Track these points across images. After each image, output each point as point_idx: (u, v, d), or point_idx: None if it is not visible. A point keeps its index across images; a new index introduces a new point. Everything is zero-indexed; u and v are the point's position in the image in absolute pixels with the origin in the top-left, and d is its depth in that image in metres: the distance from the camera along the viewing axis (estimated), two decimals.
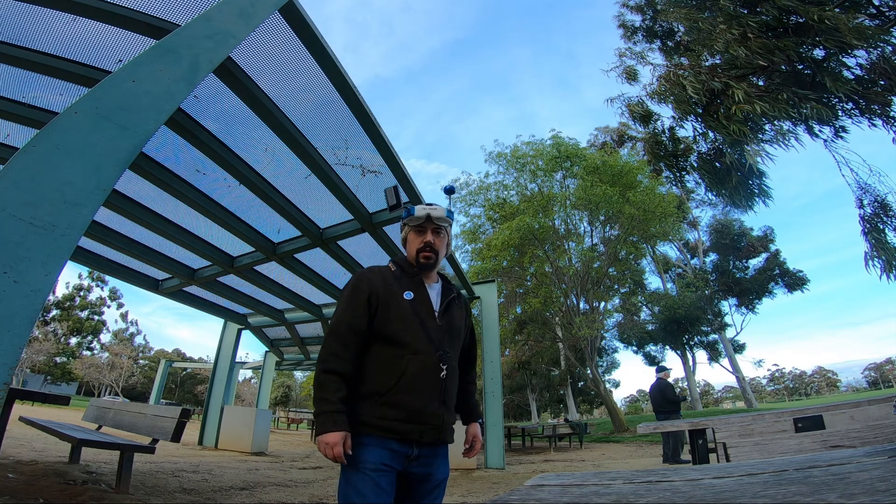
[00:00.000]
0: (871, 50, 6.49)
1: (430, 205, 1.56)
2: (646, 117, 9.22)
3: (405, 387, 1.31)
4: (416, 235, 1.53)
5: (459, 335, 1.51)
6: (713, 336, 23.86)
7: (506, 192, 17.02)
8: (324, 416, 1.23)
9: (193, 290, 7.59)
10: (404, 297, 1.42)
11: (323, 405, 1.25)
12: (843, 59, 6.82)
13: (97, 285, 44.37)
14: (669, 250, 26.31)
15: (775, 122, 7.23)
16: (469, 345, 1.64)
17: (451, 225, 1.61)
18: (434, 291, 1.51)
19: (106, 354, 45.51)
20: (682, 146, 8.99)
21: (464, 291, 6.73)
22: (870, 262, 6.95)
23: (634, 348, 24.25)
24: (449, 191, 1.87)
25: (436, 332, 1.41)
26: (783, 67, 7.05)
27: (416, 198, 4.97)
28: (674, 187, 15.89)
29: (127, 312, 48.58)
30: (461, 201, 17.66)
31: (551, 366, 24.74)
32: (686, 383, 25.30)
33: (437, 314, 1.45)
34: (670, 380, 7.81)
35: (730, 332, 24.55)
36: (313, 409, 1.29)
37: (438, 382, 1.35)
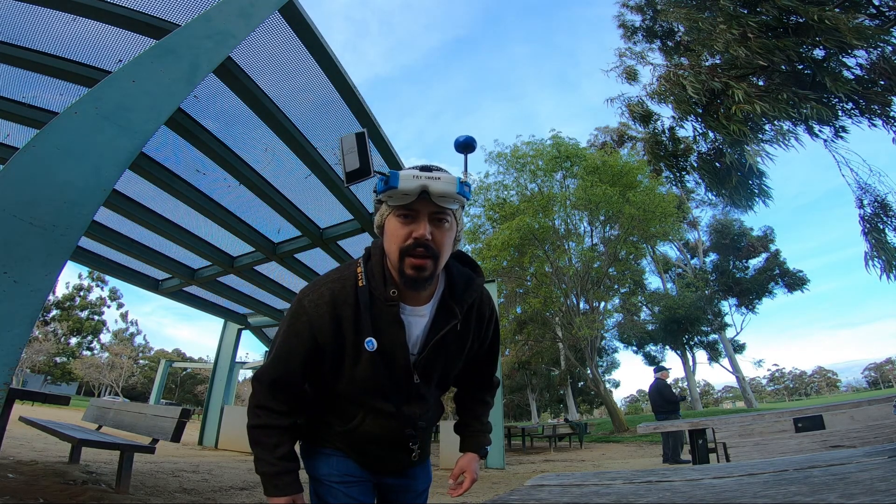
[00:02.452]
0: (871, 50, 6.49)
1: (428, 169, 0.94)
2: (646, 117, 9.22)
3: (361, 439, 1.07)
4: (400, 223, 0.94)
5: (451, 369, 1.12)
6: (713, 336, 23.87)
7: (506, 192, 17.03)
8: (265, 478, 1.01)
9: (193, 290, 7.59)
10: (365, 346, 0.97)
11: (261, 465, 1.01)
12: (843, 59, 6.82)
13: (97, 285, 44.41)
14: (669, 250, 26.33)
15: (775, 122, 7.23)
16: (483, 361, 1.22)
17: (463, 208, 1.03)
18: (421, 321, 1.03)
19: (106, 354, 45.53)
20: (682, 146, 8.99)
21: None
22: (870, 262, 6.95)
23: (634, 348, 24.27)
24: (465, 146, 1.02)
25: (407, 394, 1.04)
26: (783, 67, 7.05)
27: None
28: (674, 187, 15.89)
29: (127, 312, 48.64)
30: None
31: (551, 366, 24.75)
32: (686, 383, 25.31)
33: (414, 362, 1.03)
34: (669, 380, 7.81)
35: (730, 332, 24.57)
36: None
37: (404, 442, 1.07)
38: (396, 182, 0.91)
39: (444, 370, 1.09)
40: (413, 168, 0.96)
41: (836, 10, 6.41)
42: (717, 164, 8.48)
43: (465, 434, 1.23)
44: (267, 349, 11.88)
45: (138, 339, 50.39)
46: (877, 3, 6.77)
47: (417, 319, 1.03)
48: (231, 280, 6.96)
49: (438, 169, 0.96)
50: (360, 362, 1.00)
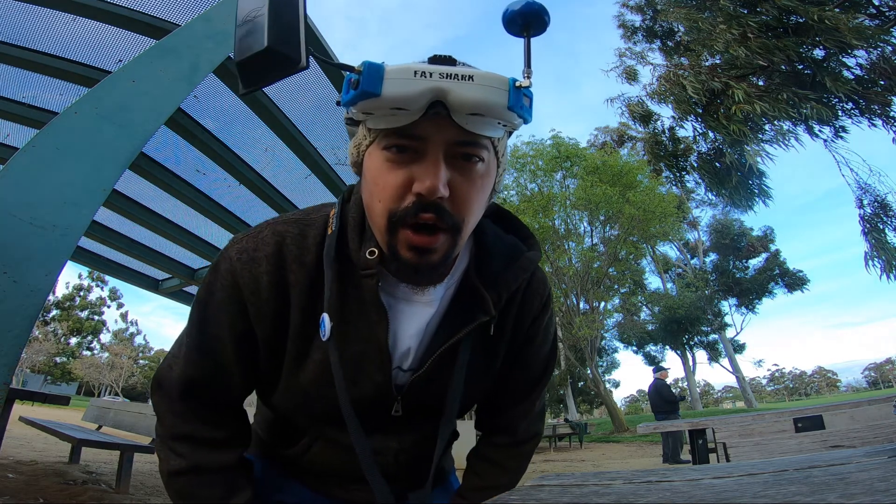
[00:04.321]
0: (871, 50, 6.49)
1: (447, 61, 0.52)
2: (646, 117, 9.22)
3: (311, 469, 0.73)
4: (391, 164, 0.54)
5: (468, 399, 0.70)
6: (713, 336, 23.90)
7: (506, 192, 17.02)
8: None
9: (193, 290, 7.58)
10: (319, 331, 0.60)
11: None
12: (843, 59, 6.83)
13: (97, 285, 44.45)
14: (669, 250, 26.37)
15: (775, 122, 7.23)
16: (513, 384, 0.75)
17: (510, 135, 0.61)
18: (423, 312, 0.64)
19: (106, 354, 45.56)
20: (682, 146, 8.99)
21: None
22: (870, 262, 6.96)
23: (634, 348, 24.30)
24: (526, 16, 0.55)
25: (380, 426, 0.65)
26: (783, 67, 7.05)
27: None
28: (674, 187, 15.89)
29: (127, 312, 48.64)
30: None
31: None
32: (686, 383, 25.32)
33: (400, 383, 0.64)
34: (668, 380, 7.82)
35: (730, 332, 24.61)
36: None
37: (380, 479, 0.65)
38: (378, 84, 0.48)
39: (450, 399, 0.65)
40: (415, 63, 0.51)
41: (836, 10, 6.41)
42: (717, 164, 8.49)
43: (466, 487, 0.77)
44: None
45: (138, 339, 50.45)
46: (877, 3, 6.77)
47: (416, 308, 0.63)
48: None
49: (464, 63, 0.53)
50: (305, 363, 0.61)
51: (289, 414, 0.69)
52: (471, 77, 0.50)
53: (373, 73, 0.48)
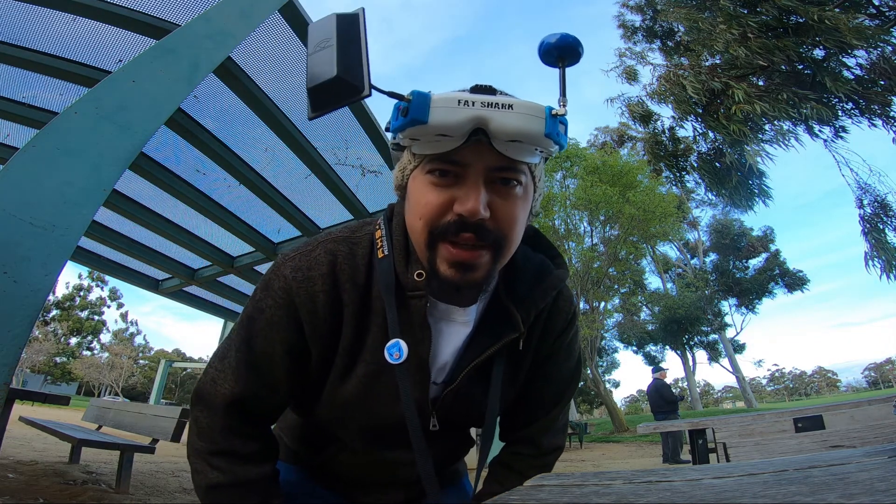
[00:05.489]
0: (871, 50, 6.49)
1: (488, 90, 0.57)
2: (646, 117, 9.22)
3: (330, 472, 0.77)
4: (433, 186, 0.57)
5: (495, 410, 0.69)
6: (713, 336, 23.91)
7: None
8: None
9: (193, 290, 7.59)
10: (385, 354, 0.61)
11: None
12: (843, 59, 6.83)
13: (97, 285, 44.46)
14: (669, 250, 26.38)
15: (775, 122, 7.23)
16: (534, 395, 0.77)
17: (546, 160, 0.63)
18: (459, 331, 0.66)
19: (106, 354, 45.58)
20: (682, 146, 8.99)
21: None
22: (870, 262, 6.96)
23: (634, 348, 24.30)
24: (563, 49, 0.58)
25: (410, 440, 0.63)
26: (783, 67, 7.05)
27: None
28: (674, 187, 15.89)
29: (127, 312, 48.67)
30: None
31: None
32: (686, 383, 25.32)
33: (434, 396, 0.67)
34: (668, 380, 7.82)
35: (730, 332, 24.62)
36: None
37: (396, 485, 0.76)
38: (425, 112, 0.51)
39: (480, 411, 0.68)
40: (457, 93, 0.54)
41: (836, 10, 6.41)
42: (717, 164, 8.49)
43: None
44: None
45: (138, 339, 50.49)
46: (877, 3, 6.77)
47: (455, 328, 0.65)
48: (231, 280, 6.97)
49: (504, 93, 0.57)
50: (350, 378, 0.64)
51: (325, 424, 0.71)
52: (510, 106, 0.52)
53: (421, 102, 0.52)
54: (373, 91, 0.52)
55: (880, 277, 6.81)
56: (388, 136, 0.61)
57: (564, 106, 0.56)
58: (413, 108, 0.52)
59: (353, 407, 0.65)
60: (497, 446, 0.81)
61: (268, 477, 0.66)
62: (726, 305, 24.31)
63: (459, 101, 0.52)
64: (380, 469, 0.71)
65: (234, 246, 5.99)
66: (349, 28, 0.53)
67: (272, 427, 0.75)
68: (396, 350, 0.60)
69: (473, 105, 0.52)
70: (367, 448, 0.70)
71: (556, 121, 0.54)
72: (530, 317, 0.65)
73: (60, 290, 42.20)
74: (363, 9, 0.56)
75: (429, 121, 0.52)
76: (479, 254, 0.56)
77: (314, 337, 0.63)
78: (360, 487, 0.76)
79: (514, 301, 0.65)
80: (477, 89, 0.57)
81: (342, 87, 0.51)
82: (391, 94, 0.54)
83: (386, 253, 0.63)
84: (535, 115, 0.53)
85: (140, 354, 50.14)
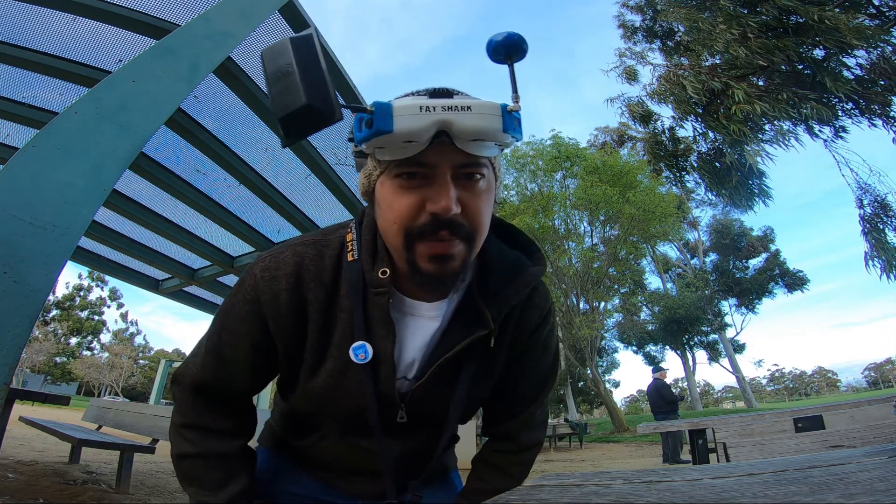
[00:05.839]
0: (871, 50, 6.49)
1: (446, 94, 0.59)
2: (646, 117, 9.22)
3: (318, 459, 0.79)
4: (403, 190, 0.59)
5: (469, 406, 0.74)
6: (713, 336, 23.91)
7: (506, 193, 17.02)
8: None
9: (193, 290, 7.58)
10: (350, 354, 0.64)
11: None
12: (843, 59, 6.83)
13: (97, 285, 44.48)
14: (669, 250, 26.38)
15: (775, 122, 7.23)
16: (510, 389, 0.78)
17: (503, 150, 0.64)
18: (427, 325, 0.69)
19: (106, 354, 45.57)
20: (682, 146, 8.99)
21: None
22: (870, 262, 6.96)
23: (634, 348, 24.31)
24: (509, 47, 0.60)
25: (384, 429, 0.69)
26: (783, 67, 7.05)
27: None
28: (674, 187, 15.89)
29: (127, 312, 48.68)
30: None
31: None
32: (686, 383, 25.33)
33: (404, 391, 0.69)
34: (668, 380, 7.82)
35: (730, 332, 24.62)
36: None
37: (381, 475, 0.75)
38: (389, 121, 0.53)
39: (452, 407, 0.70)
40: (417, 94, 0.59)
41: (836, 10, 6.41)
42: (717, 164, 8.48)
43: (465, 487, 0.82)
44: None
45: (138, 339, 50.50)
46: (877, 3, 6.77)
47: (420, 322, 0.68)
48: (231, 280, 6.96)
49: (460, 93, 0.60)
50: (318, 374, 0.67)
51: (304, 413, 0.76)
52: (469, 107, 0.54)
53: (384, 112, 0.53)
54: (338, 112, 0.53)
55: (880, 277, 6.82)
56: (352, 146, 0.62)
57: (517, 101, 0.58)
58: (377, 119, 0.53)
59: (325, 399, 0.69)
60: (467, 441, 0.81)
61: (233, 453, 0.71)
62: (726, 305, 24.32)
63: (421, 108, 0.54)
64: (358, 458, 0.74)
65: (234, 246, 5.98)
66: (306, 51, 0.52)
67: (256, 416, 0.80)
68: (362, 351, 0.64)
69: (435, 110, 0.54)
70: (344, 438, 0.74)
71: (511, 116, 0.56)
72: (501, 314, 0.67)
73: (60, 290, 42.23)
74: (314, 28, 0.58)
75: (394, 129, 0.53)
76: (454, 243, 0.59)
77: (279, 333, 0.67)
78: (341, 476, 0.79)
79: (485, 298, 0.67)
80: (435, 93, 0.59)
81: (312, 114, 0.52)
82: (354, 108, 0.56)
83: (355, 256, 0.67)
84: (493, 114, 0.55)
85: (140, 354, 50.16)
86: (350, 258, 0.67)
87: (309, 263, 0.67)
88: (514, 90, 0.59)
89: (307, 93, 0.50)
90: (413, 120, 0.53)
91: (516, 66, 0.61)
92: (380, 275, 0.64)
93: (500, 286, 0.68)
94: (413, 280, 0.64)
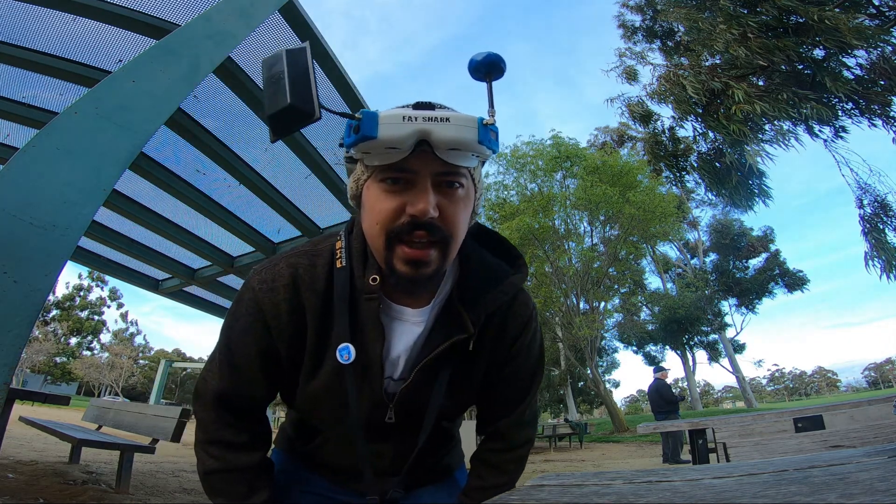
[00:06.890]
0: (871, 50, 6.49)
1: (428, 106, 0.63)
2: (646, 117, 9.22)
3: (324, 462, 0.85)
4: (386, 193, 0.63)
5: (453, 406, 0.80)
6: (713, 336, 23.90)
7: (506, 193, 17.02)
8: None
9: (193, 290, 7.58)
10: (337, 355, 0.68)
11: None
12: (843, 59, 6.83)
13: (97, 285, 44.48)
14: (669, 250, 26.37)
15: (775, 122, 7.23)
16: (498, 393, 0.82)
17: (483, 164, 0.71)
18: (413, 330, 0.72)
19: (106, 354, 45.57)
20: (682, 146, 8.99)
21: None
22: (870, 262, 6.96)
23: (634, 348, 24.29)
24: (488, 66, 0.66)
25: (376, 431, 0.74)
26: (783, 67, 7.05)
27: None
28: (674, 187, 15.89)
29: (127, 312, 48.66)
30: None
31: (551, 366, 24.75)
32: (686, 383, 25.33)
33: (391, 391, 0.73)
34: (668, 380, 7.81)
35: (730, 332, 24.61)
36: None
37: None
38: (374, 128, 0.58)
39: (438, 407, 0.74)
40: (402, 107, 0.62)
41: (836, 10, 6.41)
42: (717, 164, 8.48)
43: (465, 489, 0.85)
44: None
45: (138, 339, 50.48)
46: (877, 3, 6.77)
47: (407, 327, 0.72)
48: (231, 280, 6.96)
49: (442, 106, 0.64)
50: (317, 376, 0.71)
51: (306, 415, 0.81)
52: (447, 119, 0.59)
53: (370, 120, 0.59)
54: (323, 113, 0.59)
55: (880, 277, 6.82)
56: (344, 151, 0.67)
57: (493, 116, 0.63)
58: (364, 126, 0.59)
59: (324, 401, 0.73)
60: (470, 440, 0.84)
61: (256, 465, 0.74)
62: (726, 305, 24.31)
63: (404, 118, 0.59)
64: (363, 458, 0.77)
65: (234, 246, 5.98)
66: (297, 61, 0.60)
67: (270, 426, 0.83)
68: (346, 353, 0.68)
69: (416, 120, 0.59)
70: (345, 439, 0.77)
71: (487, 129, 0.61)
72: (480, 319, 0.71)
73: (60, 290, 42.23)
74: (308, 43, 0.64)
75: (378, 136, 0.59)
76: (428, 252, 0.63)
77: (281, 339, 0.71)
78: (349, 476, 0.82)
79: (464, 304, 0.71)
80: (419, 106, 0.63)
81: (295, 114, 0.58)
82: (342, 115, 0.61)
83: (343, 264, 0.71)
84: (469, 126, 0.60)
85: (140, 354, 50.14)
86: (339, 265, 0.71)
87: (303, 273, 0.71)
88: (491, 105, 0.65)
89: (292, 95, 0.57)
90: (396, 128, 0.59)
91: (494, 83, 0.67)
92: (370, 282, 0.68)
93: (480, 292, 0.72)
94: (390, 280, 0.67)
